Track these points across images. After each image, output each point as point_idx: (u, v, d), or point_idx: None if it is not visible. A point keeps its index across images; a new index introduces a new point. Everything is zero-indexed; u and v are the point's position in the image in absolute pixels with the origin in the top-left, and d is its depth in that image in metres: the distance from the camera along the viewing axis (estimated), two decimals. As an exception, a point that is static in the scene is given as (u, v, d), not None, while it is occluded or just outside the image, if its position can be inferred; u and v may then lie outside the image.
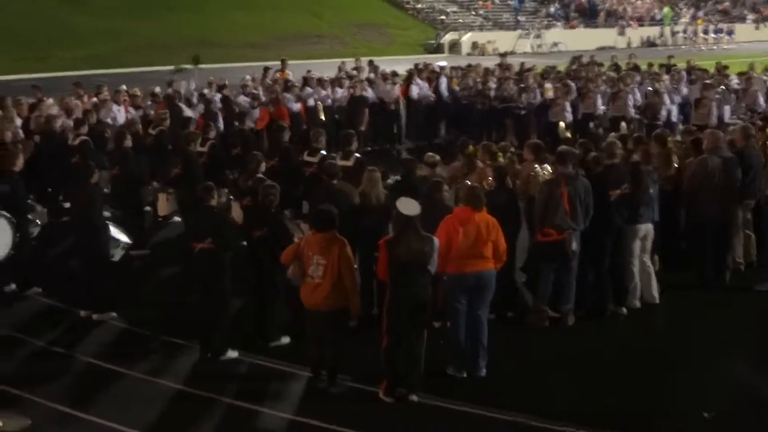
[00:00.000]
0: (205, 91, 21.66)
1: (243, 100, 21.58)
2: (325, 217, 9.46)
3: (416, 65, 27.80)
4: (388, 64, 31.31)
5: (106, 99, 20.24)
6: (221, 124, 19.45)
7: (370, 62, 28.81)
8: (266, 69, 25.86)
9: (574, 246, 11.28)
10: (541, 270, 11.59)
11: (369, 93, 24.21)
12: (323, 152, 14.23)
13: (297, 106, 21.80)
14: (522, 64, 29.30)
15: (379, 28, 58.66)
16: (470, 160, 12.70)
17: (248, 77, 24.16)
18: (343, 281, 9.31)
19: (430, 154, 12.53)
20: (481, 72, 25.79)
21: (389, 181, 12.55)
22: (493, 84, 24.43)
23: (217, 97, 21.17)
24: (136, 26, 48.33)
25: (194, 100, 21.23)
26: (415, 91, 25.28)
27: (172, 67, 22.00)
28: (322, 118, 22.18)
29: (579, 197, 11.29)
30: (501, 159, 12.69)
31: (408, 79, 25.70)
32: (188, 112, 19.62)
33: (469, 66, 27.21)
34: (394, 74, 25.67)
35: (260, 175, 12.47)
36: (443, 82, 25.54)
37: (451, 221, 9.84)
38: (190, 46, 45.24)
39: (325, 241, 9.37)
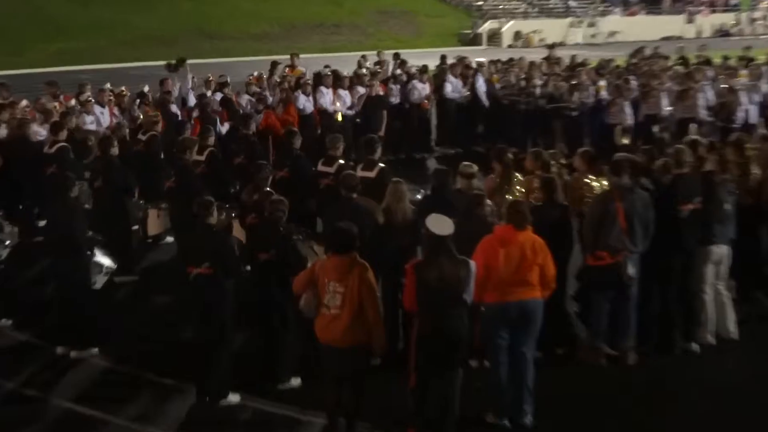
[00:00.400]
0: (203, 90, 21.61)
1: (247, 100, 21.49)
2: (344, 238, 9.40)
3: (443, 57, 27.59)
4: (416, 58, 31.27)
5: (89, 100, 20.00)
6: (222, 129, 19.30)
7: (396, 56, 28.68)
8: (274, 64, 25.70)
9: (631, 271, 11.21)
10: (593, 299, 11.57)
11: (394, 92, 24.02)
12: (341, 161, 14.18)
13: (310, 107, 21.68)
14: (573, 57, 29.18)
15: (406, 15, 58.76)
16: (507, 171, 12.72)
17: (255, 74, 24.02)
18: (365, 312, 9.27)
19: (466, 163, 12.45)
20: (526, 67, 25.64)
21: (418, 195, 12.56)
22: (539, 81, 24.25)
23: (217, 97, 21.08)
24: (129, 16, 48.44)
25: (191, 100, 21.12)
26: (448, 89, 25.10)
27: (166, 62, 21.79)
28: (339, 119, 22.12)
29: (637, 213, 11.26)
30: (552, 169, 12.70)
31: (439, 76, 25.44)
32: (182, 114, 19.75)
33: (511, 60, 27.05)
34: (424, 70, 25.37)
35: (267, 189, 12.47)
36: (480, 78, 25.31)
37: (490, 242, 9.85)
38: (188, 37, 45.40)
39: (343, 266, 9.34)
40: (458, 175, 12.27)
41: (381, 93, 23.56)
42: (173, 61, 21.74)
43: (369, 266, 9.45)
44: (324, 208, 13.00)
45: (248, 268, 11.17)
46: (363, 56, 28.26)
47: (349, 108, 22.76)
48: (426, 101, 24.63)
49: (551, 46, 31.42)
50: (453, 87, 25.18)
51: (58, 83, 22.20)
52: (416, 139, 25.03)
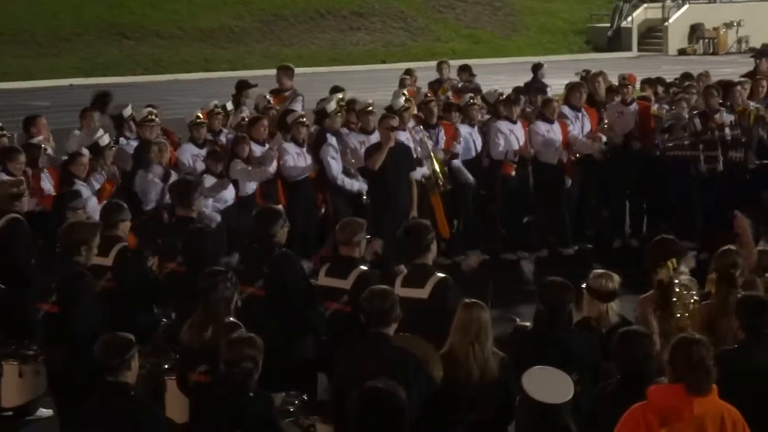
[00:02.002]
0: (99, 134, 15.96)
1: (191, 156, 16.04)
2: (372, 412, 7.27)
3: (536, 68, 20.56)
4: (508, 73, 24.01)
5: None
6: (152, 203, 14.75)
7: (465, 69, 21.24)
8: (243, 87, 18.77)
9: None
10: None
11: (465, 134, 16.40)
12: (362, 269, 10.71)
13: (305, 167, 16.07)
14: None
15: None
16: (664, 289, 10.14)
17: (212, 105, 17.02)
18: None
19: (600, 272, 9.87)
20: (712, 91, 17.19)
21: (510, 329, 10.13)
22: (727, 117, 16.67)
23: (131, 144, 15.74)
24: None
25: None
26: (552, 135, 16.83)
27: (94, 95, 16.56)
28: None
29: None
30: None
31: (541, 110, 17.40)
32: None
33: (686, 78, 19.01)
34: (515, 98, 17.67)
35: (228, 318, 9.60)
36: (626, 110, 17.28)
37: (639, 417, 7.68)
38: (88, 36, 40.45)
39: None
40: (585, 294, 9.86)
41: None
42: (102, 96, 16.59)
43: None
44: (332, 353, 10.18)
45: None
46: (408, 72, 20.45)
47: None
48: (513, 161, 17.04)
49: (761, 52, 22.05)
50: (576, 127, 17.18)
51: None
52: (507, 225, 17.62)
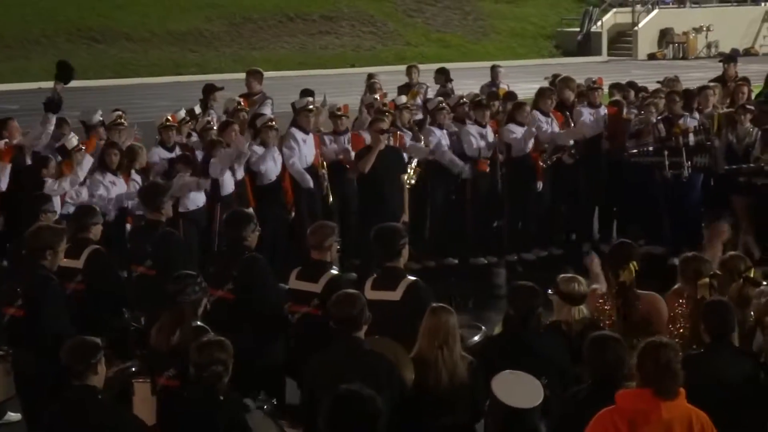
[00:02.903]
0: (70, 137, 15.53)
1: (160, 160, 15.89)
2: (345, 416, 7.12)
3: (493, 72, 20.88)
4: (476, 77, 23.16)
5: None
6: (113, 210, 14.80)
7: (442, 72, 21.18)
8: (210, 90, 18.53)
9: None
10: None
11: (438, 139, 16.31)
12: (333, 272, 10.67)
13: (275, 170, 15.89)
14: None
15: (457, 2, 47.69)
16: (626, 290, 10.04)
17: (182, 112, 17.13)
18: None
19: (567, 276, 9.80)
20: (674, 96, 17.16)
21: (476, 336, 10.17)
22: (692, 121, 16.75)
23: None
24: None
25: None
26: (517, 134, 16.69)
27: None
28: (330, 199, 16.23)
29: None
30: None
31: (511, 114, 17.14)
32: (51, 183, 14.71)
33: (659, 87, 18.84)
34: (485, 102, 17.51)
35: (197, 323, 9.48)
36: (587, 113, 17.24)
37: (607, 421, 7.69)
38: (54, 38, 40.41)
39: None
40: (555, 298, 9.78)
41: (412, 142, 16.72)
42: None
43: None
44: (302, 357, 10.02)
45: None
46: (370, 77, 20.46)
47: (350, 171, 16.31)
48: (485, 159, 16.91)
49: (729, 58, 22.19)
50: (546, 130, 17.01)
51: None
52: (477, 230, 17.38)
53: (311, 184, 15.75)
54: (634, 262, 10.09)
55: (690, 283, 10.07)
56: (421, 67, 22.07)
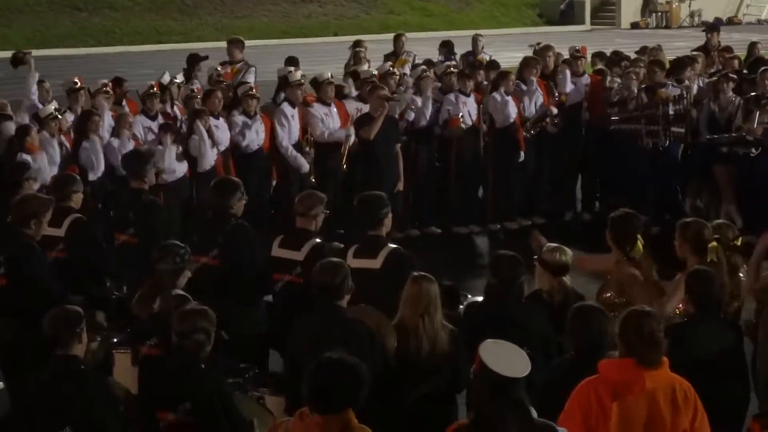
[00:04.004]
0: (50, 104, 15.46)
1: (144, 129, 15.78)
2: (329, 383, 7.06)
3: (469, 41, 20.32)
4: (458, 47, 22.21)
5: None
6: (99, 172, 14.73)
7: (445, 44, 20.93)
8: (194, 60, 18.60)
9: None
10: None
11: (412, 116, 16.39)
12: (316, 241, 10.55)
13: (257, 140, 15.90)
14: (753, 47, 19.72)
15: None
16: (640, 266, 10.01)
17: (165, 78, 17.03)
18: None
19: (552, 245, 9.82)
20: (654, 67, 17.24)
21: (462, 306, 10.08)
22: (675, 90, 16.78)
23: (70, 118, 15.46)
24: None
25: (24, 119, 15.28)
26: (507, 108, 16.60)
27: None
28: (312, 179, 15.85)
29: None
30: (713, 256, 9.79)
31: (495, 83, 17.09)
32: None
33: (638, 55, 18.89)
34: (468, 72, 17.66)
35: (177, 292, 9.41)
36: (568, 82, 17.26)
37: (590, 391, 7.73)
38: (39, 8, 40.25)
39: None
40: (537, 267, 9.83)
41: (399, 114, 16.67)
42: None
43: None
44: (284, 325, 9.94)
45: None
46: (357, 45, 20.10)
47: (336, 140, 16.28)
48: (458, 117, 16.72)
49: (712, 27, 22.02)
50: (529, 102, 17.09)
51: None
52: (460, 199, 17.36)
53: (307, 168, 15.75)
54: (640, 237, 9.96)
55: (688, 247, 9.99)
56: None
